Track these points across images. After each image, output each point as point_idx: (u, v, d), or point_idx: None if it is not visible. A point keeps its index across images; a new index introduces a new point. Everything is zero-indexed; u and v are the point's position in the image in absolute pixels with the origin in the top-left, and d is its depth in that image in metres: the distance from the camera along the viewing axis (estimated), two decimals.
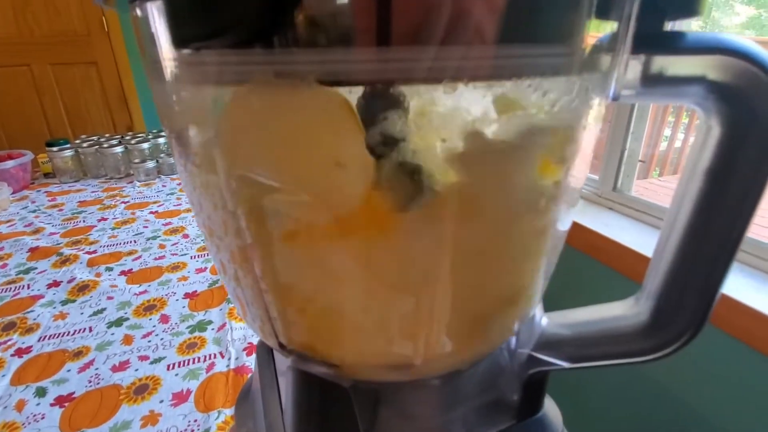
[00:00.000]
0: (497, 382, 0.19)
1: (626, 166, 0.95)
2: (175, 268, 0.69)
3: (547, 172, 0.14)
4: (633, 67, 0.14)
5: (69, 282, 0.65)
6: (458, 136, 0.11)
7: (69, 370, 0.47)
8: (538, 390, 0.20)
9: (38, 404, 0.43)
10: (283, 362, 0.20)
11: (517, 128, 0.12)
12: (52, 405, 0.43)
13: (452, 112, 0.10)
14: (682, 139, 1.91)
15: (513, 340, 0.19)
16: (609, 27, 0.12)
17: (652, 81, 0.14)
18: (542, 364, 0.19)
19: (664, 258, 0.15)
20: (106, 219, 0.89)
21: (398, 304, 0.14)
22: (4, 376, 0.46)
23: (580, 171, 0.15)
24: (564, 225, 0.16)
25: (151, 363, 0.48)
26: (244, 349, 0.50)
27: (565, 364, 0.18)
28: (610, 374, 0.77)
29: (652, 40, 0.13)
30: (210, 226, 0.16)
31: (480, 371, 0.18)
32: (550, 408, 0.21)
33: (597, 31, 0.12)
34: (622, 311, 0.17)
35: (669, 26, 0.13)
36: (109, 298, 0.61)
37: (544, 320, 0.19)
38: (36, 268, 0.69)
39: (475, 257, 0.14)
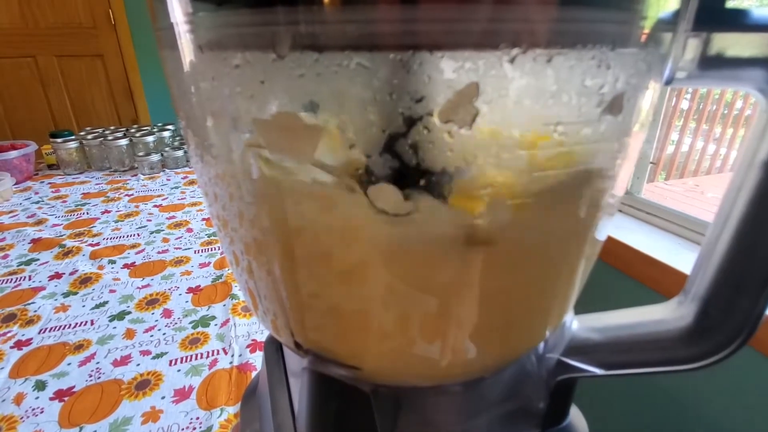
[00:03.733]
0: (523, 389, 0.18)
1: (637, 169, 0.93)
2: (178, 262, 0.68)
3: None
4: (691, 47, 0.13)
5: (71, 274, 0.64)
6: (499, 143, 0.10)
7: (69, 364, 0.46)
8: (565, 398, 0.19)
9: (37, 398, 0.42)
10: (294, 361, 0.19)
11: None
12: (51, 399, 0.42)
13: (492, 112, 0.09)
14: (689, 144, 1.89)
15: (541, 344, 0.18)
16: (672, 2, 0.11)
17: (710, 62, 0.13)
18: (572, 370, 0.17)
19: (715, 255, 0.14)
20: (109, 212, 0.88)
21: (425, 306, 0.13)
22: (2, 368, 0.45)
23: (627, 174, 0.14)
24: (604, 234, 0.15)
25: (153, 358, 0.47)
26: (248, 346, 0.49)
27: (598, 371, 0.17)
28: (636, 386, 0.75)
29: (714, 15, 0.12)
30: (224, 217, 0.15)
31: (505, 377, 0.17)
32: (576, 417, 0.20)
33: (660, 5, 0.11)
34: (662, 315, 0.16)
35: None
36: (112, 291, 0.60)
37: (575, 324, 0.18)
38: (38, 260, 0.68)
39: (512, 266, 0.13)
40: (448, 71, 0.08)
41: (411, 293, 0.13)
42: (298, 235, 0.13)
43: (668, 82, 0.13)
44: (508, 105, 0.09)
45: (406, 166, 0.10)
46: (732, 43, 0.12)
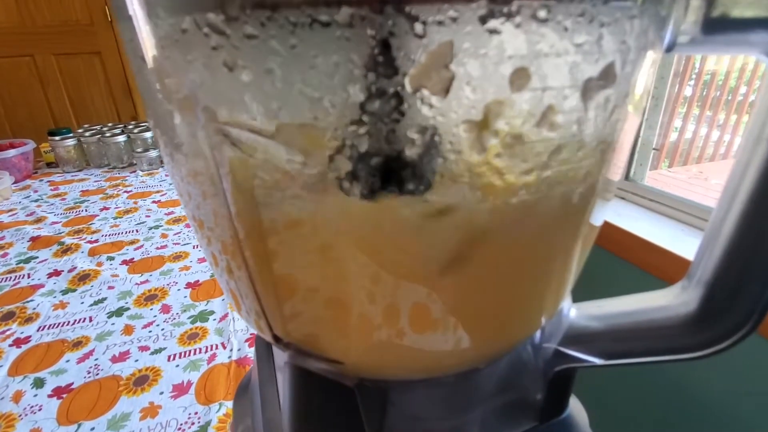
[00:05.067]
0: (519, 381, 0.17)
1: (639, 155, 0.92)
2: (177, 257, 0.67)
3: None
4: (694, 8, 0.11)
5: (70, 271, 0.63)
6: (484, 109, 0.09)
7: (68, 361, 0.46)
8: (563, 389, 0.18)
9: (36, 395, 0.42)
10: (281, 356, 0.19)
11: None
12: (49, 396, 0.41)
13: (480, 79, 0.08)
14: (693, 130, 1.86)
15: (537, 333, 0.17)
16: None
17: (714, 25, 0.12)
18: (570, 360, 0.17)
19: (721, 236, 0.13)
20: (108, 208, 0.88)
21: (410, 296, 0.12)
22: (1, 366, 0.45)
23: (624, 155, 0.13)
24: (600, 219, 0.14)
25: (152, 354, 0.47)
26: (246, 340, 0.48)
27: (597, 361, 0.16)
28: (640, 374, 0.74)
29: None
30: (200, 217, 0.14)
31: (500, 368, 0.16)
32: (576, 408, 0.19)
33: None
34: (665, 301, 0.15)
35: None
36: (110, 287, 0.60)
37: (573, 311, 0.17)
38: (37, 258, 0.68)
39: (502, 251, 0.12)
40: (418, 28, 0.07)
41: (394, 284, 0.12)
42: (271, 227, 0.12)
43: (669, 48, 0.12)
44: (487, 67, 0.08)
45: (377, 144, 0.09)
46: (736, 2, 0.11)
